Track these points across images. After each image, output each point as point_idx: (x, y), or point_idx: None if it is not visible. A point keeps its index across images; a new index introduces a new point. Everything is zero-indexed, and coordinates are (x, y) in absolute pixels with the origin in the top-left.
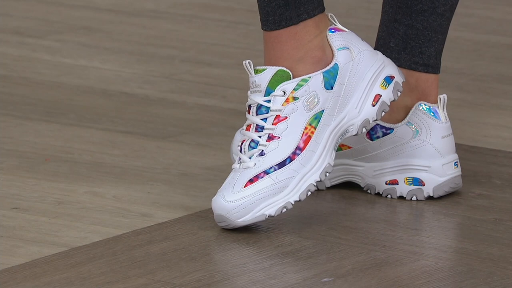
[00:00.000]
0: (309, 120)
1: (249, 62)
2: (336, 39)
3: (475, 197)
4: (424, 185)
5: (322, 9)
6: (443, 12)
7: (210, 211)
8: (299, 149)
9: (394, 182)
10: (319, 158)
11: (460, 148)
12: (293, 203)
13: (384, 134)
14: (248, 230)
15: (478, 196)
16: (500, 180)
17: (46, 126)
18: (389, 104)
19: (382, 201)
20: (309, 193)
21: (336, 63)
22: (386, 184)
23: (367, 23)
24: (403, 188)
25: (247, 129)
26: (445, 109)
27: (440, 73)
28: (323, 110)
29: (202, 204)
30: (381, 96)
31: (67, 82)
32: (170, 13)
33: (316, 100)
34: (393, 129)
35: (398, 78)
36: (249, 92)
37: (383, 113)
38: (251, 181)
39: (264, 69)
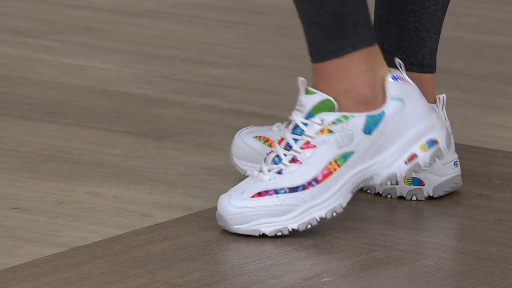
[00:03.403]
0: (336, 156)
1: (302, 81)
2: (393, 88)
3: (475, 197)
4: (424, 185)
5: (370, 42)
6: (434, 11)
7: (210, 211)
8: (315, 181)
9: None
10: (333, 196)
11: (460, 148)
12: (290, 230)
13: None
14: None
15: (478, 196)
16: (500, 180)
17: (46, 126)
18: (422, 168)
19: (382, 201)
20: (309, 226)
21: (383, 111)
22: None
23: None
24: (403, 188)
25: (280, 142)
26: (444, 109)
27: (436, 72)
28: (353, 152)
29: (202, 204)
30: (417, 156)
31: (67, 82)
32: (170, 13)
33: (350, 140)
34: None
35: (442, 144)
36: (295, 107)
37: (414, 173)
38: (259, 194)
39: (314, 92)
